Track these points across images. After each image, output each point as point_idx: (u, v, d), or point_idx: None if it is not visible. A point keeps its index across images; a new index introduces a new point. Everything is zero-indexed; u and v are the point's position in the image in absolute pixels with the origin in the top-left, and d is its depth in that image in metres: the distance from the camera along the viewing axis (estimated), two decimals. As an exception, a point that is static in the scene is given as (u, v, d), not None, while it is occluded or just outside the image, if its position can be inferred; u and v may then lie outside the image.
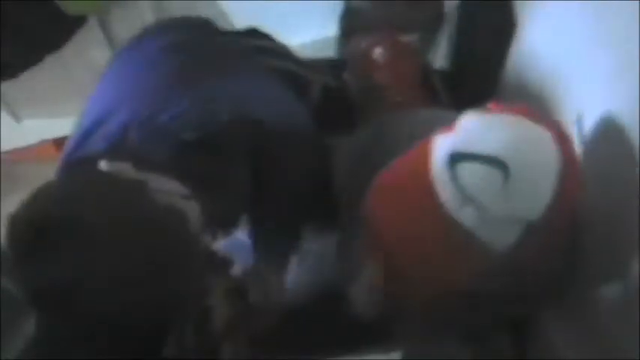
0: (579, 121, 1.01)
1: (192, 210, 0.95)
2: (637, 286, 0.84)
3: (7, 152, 1.97)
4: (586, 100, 1.04)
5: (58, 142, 1.98)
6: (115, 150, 1.00)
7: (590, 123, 1.00)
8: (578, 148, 1.01)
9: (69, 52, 1.80)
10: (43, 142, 2.02)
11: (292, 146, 1.15)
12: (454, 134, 0.95)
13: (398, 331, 1.07)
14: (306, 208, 1.21)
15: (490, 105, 0.98)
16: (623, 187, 0.90)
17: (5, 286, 1.11)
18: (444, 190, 0.91)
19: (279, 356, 1.03)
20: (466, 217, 0.90)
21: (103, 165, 0.95)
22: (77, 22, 1.76)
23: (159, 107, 1.05)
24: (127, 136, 1.02)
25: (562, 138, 0.92)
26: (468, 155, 0.91)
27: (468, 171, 0.90)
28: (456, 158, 0.91)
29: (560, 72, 1.14)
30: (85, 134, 1.08)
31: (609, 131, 0.95)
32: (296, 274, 1.23)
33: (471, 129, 0.95)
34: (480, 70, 1.48)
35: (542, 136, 0.92)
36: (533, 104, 1.23)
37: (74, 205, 0.88)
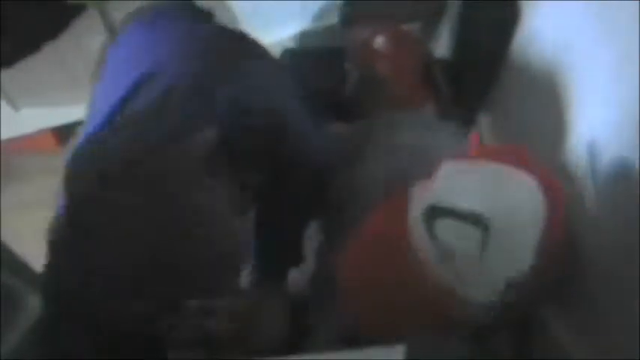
0: (580, 129, 0.98)
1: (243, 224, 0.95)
2: (637, 286, 0.83)
3: (5, 141, 1.96)
4: (588, 95, 1.03)
5: (58, 132, 1.97)
6: (158, 111, 0.98)
7: (592, 120, 0.99)
8: (579, 154, 0.99)
9: (67, 41, 1.79)
10: (41, 132, 2.01)
11: (303, 148, 1.13)
12: (433, 185, 0.91)
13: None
14: (307, 216, 1.19)
15: (472, 142, 0.96)
16: (624, 187, 0.89)
17: (4, 282, 1.11)
18: (422, 245, 0.88)
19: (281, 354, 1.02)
20: (444, 273, 0.87)
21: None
22: (75, 11, 1.75)
23: (201, 81, 1.02)
24: (171, 99, 1.00)
25: (547, 182, 0.89)
26: (446, 211, 0.87)
27: (447, 227, 0.87)
28: (433, 213, 0.88)
29: (563, 65, 1.13)
30: (122, 101, 1.04)
31: (612, 134, 0.94)
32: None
33: (450, 180, 0.92)
34: (482, 61, 1.47)
35: (526, 187, 0.88)
36: (534, 97, 1.23)
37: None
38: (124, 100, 1.03)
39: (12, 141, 1.99)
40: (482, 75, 1.47)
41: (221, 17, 1.93)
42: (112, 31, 1.82)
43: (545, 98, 1.17)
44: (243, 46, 1.21)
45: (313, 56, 1.74)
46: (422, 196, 0.91)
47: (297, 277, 1.20)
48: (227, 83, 1.04)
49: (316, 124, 1.23)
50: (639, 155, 0.85)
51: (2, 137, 1.94)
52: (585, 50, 1.04)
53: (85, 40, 1.82)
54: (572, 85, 1.09)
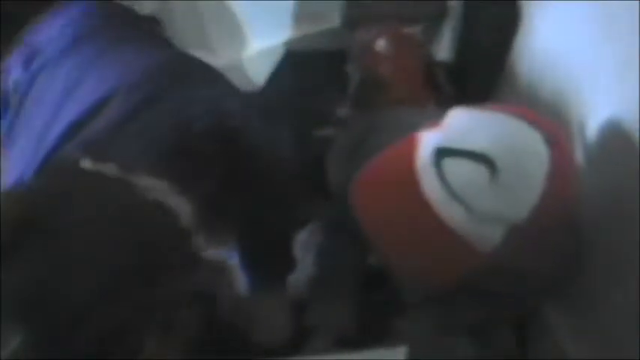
0: (582, 129, 1.00)
1: (184, 207, 0.91)
2: (637, 285, 0.83)
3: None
4: (589, 95, 1.03)
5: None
6: (95, 152, 0.96)
7: (593, 121, 0.99)
8: (580, 154, 1.00)
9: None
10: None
11: (271, 152, 1.11)
12: (441, 129, 0.94)
13: (402, 327, 1.07)
14: (293, 220, 1.18)
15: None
16: (625, 187, 0.89)
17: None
18: (430, 186, 0.90)
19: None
20: (451, 214, 0.89)
21: (86, 163, 0.91)
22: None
23: (135, 109, 1.01)
24: (105, 138, 0.99)
25: (554, 138, 0.91)
26: (455, 151, 0.90)
27: (454, 167, 0.90)
28: (442, 154, 0.90)
29: (565, 68, 1.14)
30: (60, 138, 1.03)
31: (613, 135, 0.94)
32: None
33: (459, 125, 0.94)
34: (484, 63, 1.47)
35: (531, 135, 0.91)
36: (536, 99, 1.22)
37: (55, 204, 0.84)
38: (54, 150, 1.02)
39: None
40: (484, 76, 1.47)
41: (222, 19, 1.93)
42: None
43: (546, 99, 1.17)
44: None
45: (315, 58, 1.74)
46: (430, 138, 0.93)
47: (296, 278, 1.20)
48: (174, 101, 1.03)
49: (282, 135, 1.21)
50: (640, 156, 0.85)
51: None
52: (586, 51, 1.04)
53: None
54: (573, 86, 1.09)
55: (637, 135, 0.86)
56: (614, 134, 0.94)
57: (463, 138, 0.91)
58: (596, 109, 0.99)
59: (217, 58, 2.04)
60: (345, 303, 1.15)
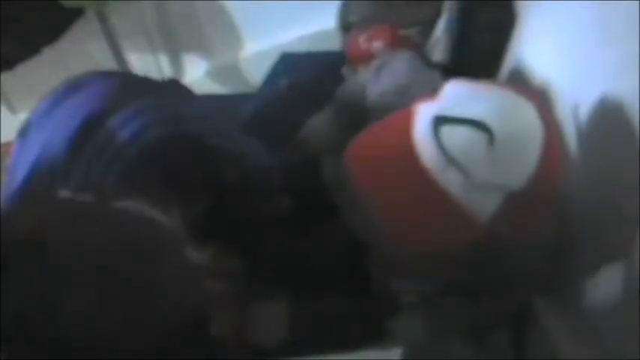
0: (575, 113, 1.01)
1: (172, 221, 0.89)
2: (637, 283, 0.83)
3: (4, 145, 1.96)
4: (589, 98, 1.03)
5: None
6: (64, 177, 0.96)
7: (592, 121, 1.00)
8: (580, 154, 1.01)
9: (66, 44, 1.80)
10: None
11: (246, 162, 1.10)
12: (439, 99, 0.96)
13: (398, 328, 1.07)
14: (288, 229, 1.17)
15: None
16: (624, 187, 0.89)
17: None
18: (427, 153, 0.91)
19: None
20: (448, 181, 0.90)
21: (64, 193, 0.89)
22: (74, 14, 1.76)
23: (96, 127, 1.01)
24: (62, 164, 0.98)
25: (545, 110, 0.94)
26: (453, 118, 0.91)
27: (452, 134, 0.91)
28: (440, 121, 0.92)
29: (562, 68, 1.14)
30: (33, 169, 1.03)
31: (609, 120, 0.95)
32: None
33: (456, 95, 0.96)
34: (480, 65, 1.48)
35: (526, 105, 0.93)
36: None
37: (40, 231, 0.78)
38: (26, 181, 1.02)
39: (9, 145, 1.99)
40: (480, 78, 1.47)
41: (219, 21, 1.94)
42: (110, 35, 1.83)
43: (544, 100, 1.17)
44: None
45: (311, 60, 1.74)
46: (427, 109, 0.94)
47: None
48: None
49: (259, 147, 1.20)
50: (639, 158, 0.85)
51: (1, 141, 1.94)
52: (584, 51, 1.04)
53: (85, 44, 1.83)
54: (571, 86, 1.09)
55: (637, 135, 0.86)
56: (613, 134, 0.94)
57: (460, 107, 0.92)
58: (594, 109, 0.99)
59: (214, 59, 2.06)
60: (340, 304, 1.15)
